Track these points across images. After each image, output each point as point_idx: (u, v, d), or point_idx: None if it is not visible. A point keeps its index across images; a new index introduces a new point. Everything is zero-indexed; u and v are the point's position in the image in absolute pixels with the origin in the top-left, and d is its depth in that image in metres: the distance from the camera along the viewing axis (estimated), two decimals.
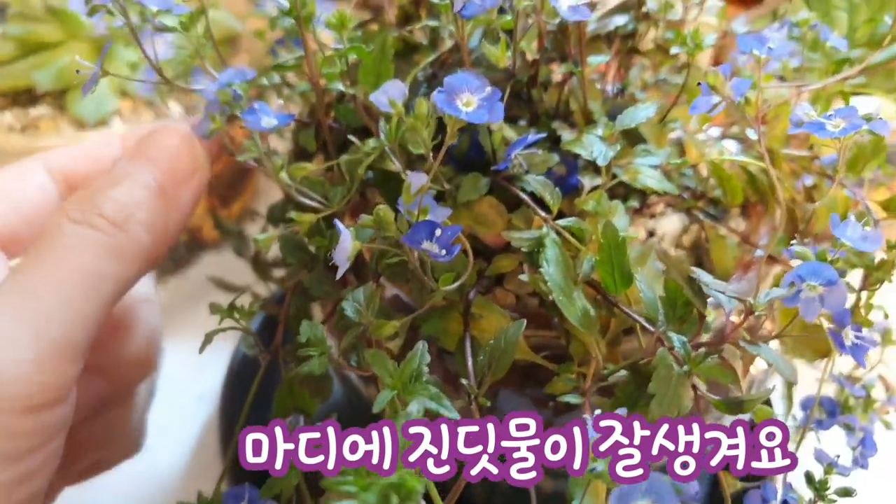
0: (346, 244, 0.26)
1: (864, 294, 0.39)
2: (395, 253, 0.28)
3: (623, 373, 0.29)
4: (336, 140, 0.34)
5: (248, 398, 0.34)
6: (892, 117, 0.50)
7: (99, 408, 0.33)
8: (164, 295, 0.64)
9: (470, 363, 0.29)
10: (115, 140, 0.36)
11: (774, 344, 0.46)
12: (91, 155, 0.35)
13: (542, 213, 0.30)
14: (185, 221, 0.32)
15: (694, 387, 0.28)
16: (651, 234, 0.37)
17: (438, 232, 0.26)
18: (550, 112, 0.36)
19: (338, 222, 0.26)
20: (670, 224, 0.37)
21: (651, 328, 0.28)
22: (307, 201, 0.32)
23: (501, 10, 0.29)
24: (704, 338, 0.31)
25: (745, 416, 0.29)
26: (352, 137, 0.31)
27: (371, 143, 0.30)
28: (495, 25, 0.29)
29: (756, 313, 0.26)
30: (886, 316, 0.41)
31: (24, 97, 0.56)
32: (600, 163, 0.30)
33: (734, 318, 0.30)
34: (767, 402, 0.41)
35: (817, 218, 0.41)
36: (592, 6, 0.35)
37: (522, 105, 0.37)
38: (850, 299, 0.40)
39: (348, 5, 0.45)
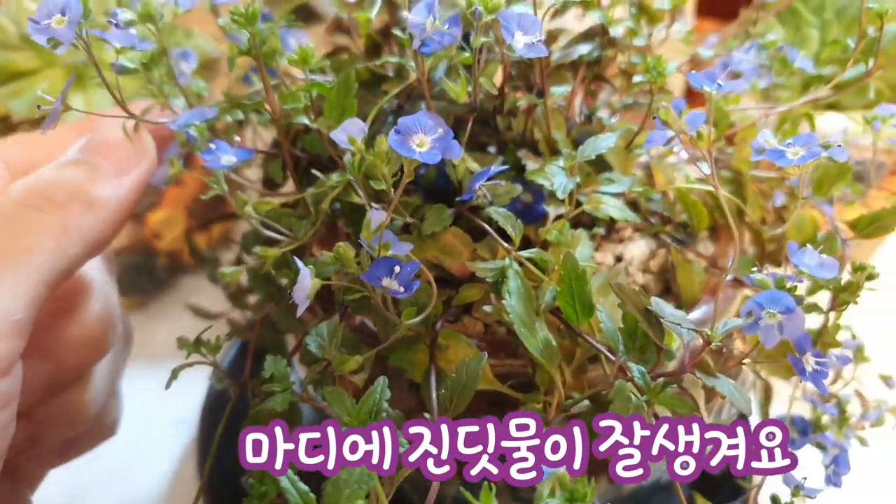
0: (306, 282, 0.26)
1: (832, 315, 0.40)
2: (357, 289, 0.28)
3: (586, 403, 0.29)
4: (302, 171, 0.34)
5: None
6: (860, 135, 0.50)
7: (53, 389, 0.33)
8: (144, 318, 0.64)
9: (434, 395, 0.29)
10: (69, 131, 0.36)
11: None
12: (45, 144, 0.35)
13: (505, 245, 0.30)
14: (132, 205, 0.32)
15: (655, 416, 0.28)
16: (619, 259, 0.37)
17: (398, 269, 0.26)
18: (517, 140, 0.37)
19: (297, 260, 0.27)
20: (638, 249, 0.37)
21: (613, 358, 0.28)
22: (274, 234, 0.32)
23: (462, 47, 0.29)
24: (670, 366, 0.31)
25: None
26: (316, 172, 0.31)
27: (335, 177, 0.30)
28: (455, 61, 0.29)
29: (713, 344, 0.26)
30: (854, 337, 0.41)
31: (1, 126, 0.56)
32: (560, 195, 0.31)
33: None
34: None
35: (786, 239, 0.41)
36: (553, 39, 0.35)
37: (490, 133, 0.37)
38: (819, 320, 0.40)
39: (320, 31, 0.45)
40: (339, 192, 0.31)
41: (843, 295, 0.38)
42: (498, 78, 0.36)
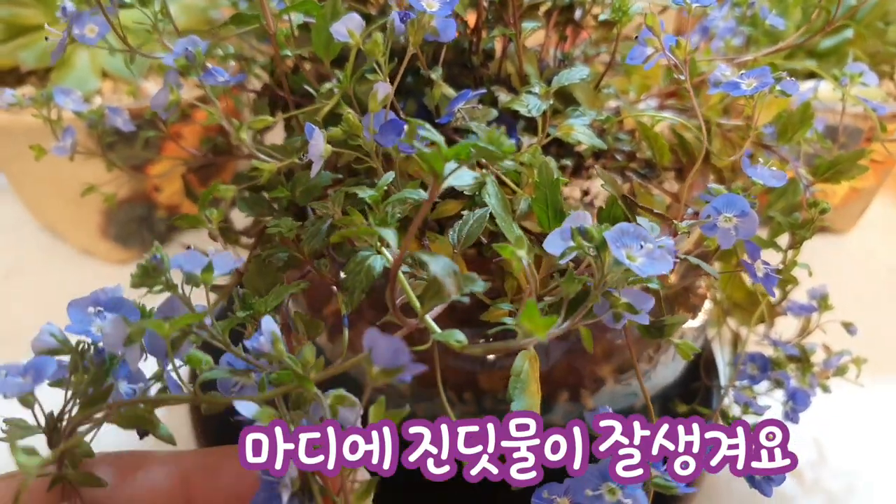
0: (319, 141, 0.29)
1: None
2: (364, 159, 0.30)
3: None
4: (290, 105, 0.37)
5: None
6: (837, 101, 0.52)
7: None
8: None
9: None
10: None
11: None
12: None
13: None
14: None
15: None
16: (586, 193, 0.39)
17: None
18: (493, 78, 0.39)
19: (308, 125, 0.29)
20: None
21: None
22: (267, 158, 0.35)
23: None
24: None
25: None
26: (308, 87, 0.33)
27: (327, 86, 0.33)
28: None
29: (678, 234, 0.28)
30: (811, 274, 0.43)
31: (11, 77, 0.59)
32: (533, 114, 0.33)
33: None
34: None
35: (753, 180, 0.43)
36: None
37: (466, 73, 0.40)
38: (779, 258, 0.42)
39: None
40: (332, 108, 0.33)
41: (800, 231, 0.40)
42: (472, 18, 0.38)
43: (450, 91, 0.34)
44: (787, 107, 0.43)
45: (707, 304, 0.43)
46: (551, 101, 0.34)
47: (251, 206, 0.36)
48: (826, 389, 0.48)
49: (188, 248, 0.48)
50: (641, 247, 0.23)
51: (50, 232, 0.70)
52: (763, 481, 0.34)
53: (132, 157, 0.59)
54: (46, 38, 0.36)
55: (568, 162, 0.38)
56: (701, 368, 0.48)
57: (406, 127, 0.27)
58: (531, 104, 0.33)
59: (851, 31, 0.61)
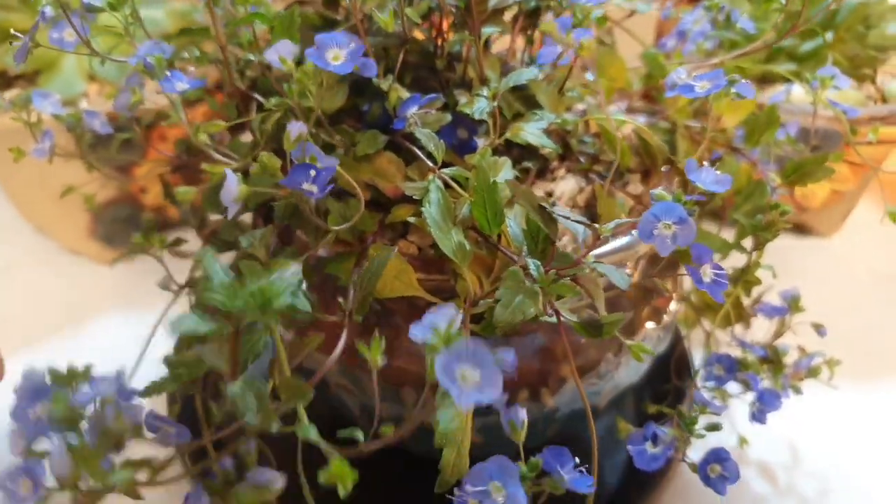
0: (232, 185, 0.29)
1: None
2: (286, 198, 0.31)
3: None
4: (248, 105, 0.37)
5: None
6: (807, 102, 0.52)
7: None
8: (129, 270, 0.68)
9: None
10: None
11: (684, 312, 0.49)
12: None
13: (430, 164, 0.33)
14: None
15: (557, 312, 0.30)
16: (549, 194, 0.39)
17: (313, 173, 0.29)
18: (457, 82, 0.39)
19: (227, 170, 0.30)
20: (567, 185, 0.40)
21: (516, 259, 0.30)
22: (222, 158, 0.35)
23: None
24: None
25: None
26: (257, 96, 0.34)
27: (273, 100, 0.33)
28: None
29: (602, 236, 0.28)
30: (774, 276, 0.43)
31: (0, 80, 0.60)
32: (477, 116, 0.33)
33: None
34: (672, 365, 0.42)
35: None
36: None
37: (433, 76, 0.40)
38: (743, 259, 0.43)
39: None
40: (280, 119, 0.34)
41: (763, 234, 0.40)
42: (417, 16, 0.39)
43: (405, 94, 0.35)
44: (755, 109, 0.44)
45: (672, 306, 0.43)
46: (496, 104, 0.35)
47: (210, 203, 0.37)
48: (797, 391, 0.49)
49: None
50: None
51: (40, 232, 0.71)
52: (717, 480, 0.35)
53: (116, 159, 0.60)
54: (10, 43, 0.37)
55: (530, 164, 0.38)
56: (672, 369, 0.49)
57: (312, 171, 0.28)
58: (477, 107, 0.34)
59: (830, 35, 0.61)
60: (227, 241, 0.35)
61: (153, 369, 0.38)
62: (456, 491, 0.27)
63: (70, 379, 0.31)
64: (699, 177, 0.31)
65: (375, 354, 0.26)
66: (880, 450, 0.54)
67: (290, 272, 0.26)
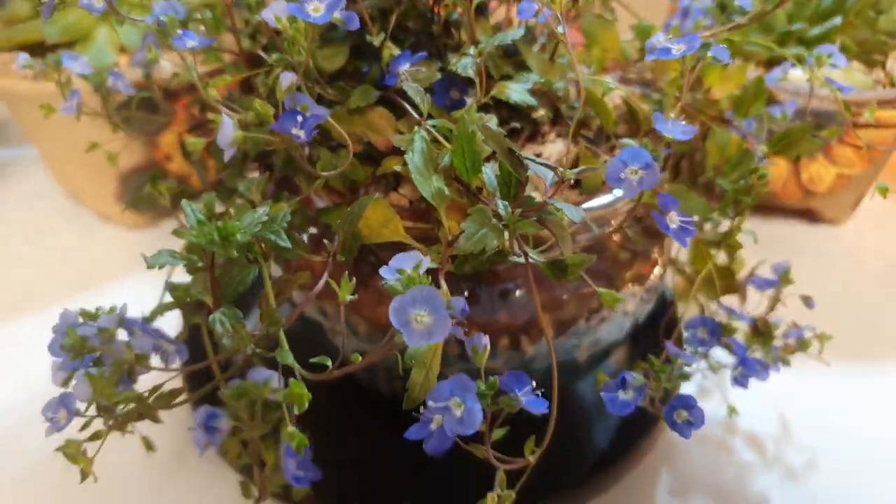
0: (228, 130, 0.32)
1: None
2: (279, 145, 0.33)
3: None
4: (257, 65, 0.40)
5: None
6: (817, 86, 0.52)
7: None
8: (153, 236, 0.71)
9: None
10: None
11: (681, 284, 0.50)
12: None
13: (416, 116, 0.35)
14: None
15: (526, 254, 0.32)
16: (538, 156, 0.41)
17: (300, 119, 0.31)
18: (453, 47, 0.42)
19: (224, 115, 0.32)
20: (556, 148, 0.41)
21: (489, 204, 0.33)
22: (228, 111, 0.38)
23: None
24: None
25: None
26: (261, 53, 0.36)
27: (275, 56, 0.36)
28: None
29: (566, 179, 0.30)
30: (756, 240, 0.44)
31: (38, 50, 0.64)
32: (460, 71, 0.35)
33: None
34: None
35: (706, 154, 0.45)
36: None
37: (431, 42, 0.42)
38: (726, 225, 0.44)
39: None
40: None
41: (745, 199, 0.41)
42: None
43: (397, 52, 0.37)
44: (744, 81, 0.45)
45: (657, 270, 0.44)
46: (480, 61, 0.37)
47: (216, 153, 0.39)
48: (786, 363, 0.50)
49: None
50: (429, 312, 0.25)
51: (72, 197, 0.75)
52: (683, 425, 0.36)
53: (140, 122, 0.63)
54: (41, 3, 0.40)
55: (518, 125, 0.40)
56: (661, 334, 0.50)
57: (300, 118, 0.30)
58: (461, 64, 0.36)
59: (840, 19, 0.62)
60: (230, 188, 0.38)
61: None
62: (422, 409, 0.29)
63: (95, 317, 0.35)
64: (666, 127, 0.33)
65: (345, 292, 0.28)
66: (870, 427, 0.55)
67: (260, 212, 0.29)
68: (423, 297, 0.24)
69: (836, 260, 0.70)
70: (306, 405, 0.26)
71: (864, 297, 0.67)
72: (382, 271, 0.26)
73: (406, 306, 0.24)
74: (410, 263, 0.27)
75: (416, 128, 0.35)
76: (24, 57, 0.48)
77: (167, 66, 0.65)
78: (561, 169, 0.30)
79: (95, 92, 0.49)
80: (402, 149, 0.36)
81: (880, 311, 0.65)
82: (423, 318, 0.24)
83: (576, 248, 0.40)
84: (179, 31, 0.37)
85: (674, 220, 0.33)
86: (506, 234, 0.30)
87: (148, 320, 0.37)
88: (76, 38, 0.63)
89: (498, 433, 0.29)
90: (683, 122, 0.33)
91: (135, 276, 0.70)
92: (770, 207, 0.72)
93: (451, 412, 0.27)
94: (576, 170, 0.30)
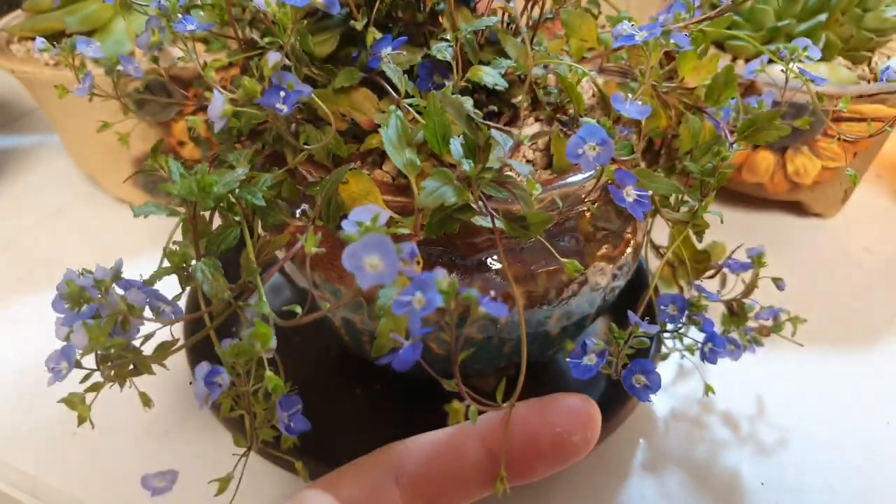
0: (218, 103, 0.35)
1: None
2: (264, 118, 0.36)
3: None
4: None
5: None
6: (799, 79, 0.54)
7: None
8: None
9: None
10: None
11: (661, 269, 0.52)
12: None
13: (395, 95, 0.38)
14: None
15: (491, 214, 0.35)
16: None
17: (283, 94, 0.34)
18: (437, 34, 0.44)
19: (215, 90, 0.35)
20: (531, 130, 0.44)
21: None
22: (224, 91, 0.41)
23: None
24: None
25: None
26: (254, 36, 0.39)
27: (267, 39, 0.39)
28: None
29: (522, 144, 0.33)
30: (722, 220, 0.46)
31: (58, 38, 0.67)
32: (437, 55, 0.38)
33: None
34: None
35: (678, 140, 0.47)
36: None
37: (418, 31, 0.45)
38: (694, 206, 0.46)
39: None
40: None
41: (710, 180, 0.44)
42: None
43: (380, 35, 0.40)
44: (714, 70, 0.47)
45: (629, 249, 0.47)
46: (456, 45, 0.39)
47: (219, 134, 0.43)
48: (759, 343, 0.52)
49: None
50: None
51: (90, 180, 0.79)
52: (641, 389, 0.39)
53: (159, 110, 0.67)
54: None
55: (494, 108, 0.43)
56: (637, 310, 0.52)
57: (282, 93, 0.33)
58: (436, 48, 0.38)
59: (825, 16, 0.64)
60: (222, 160, 0.41)
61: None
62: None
63: (102, 283, 0.38)
64: (623, 107, 0.35)
65: (310, 244, 0.31)
66: (844, 410, 0.57)
67: (239, 172, 0.32)
68: (375, 243, 0.26)
69: (822, 251, 0.72)
70: (270, 343, 0.28)
71: (847, 287, 0.68)
72: (344, 224, 0.28)
73: (358, 252, 0.26)
74: (369, 216, 0.29)
75: (391, 106, 0.38)
76: (41, 41, 0.51)
77: (178, 53, 0.69)
78: (516, 132, 0.33)
79: (106, 75, 0.52)
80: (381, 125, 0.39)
81: (861, 300, 0.66)
82: (374, 263, 0.26)
83: (549, 228, 0.43)
84: (180, 16, 0.41)
85: (630, 193, 0.36)
86: (469, 193, 0.33)
87: (148, 283, 0.40)
88: (95, 27, 0.66)
89: (464, 354, 0.31)
90: (639, 103, 0.35)
91: (149, 255, 0.74)
92: (759, 199, 0.74)
93: (415, 308, 0.29)
94: (529, 133, 0.33)
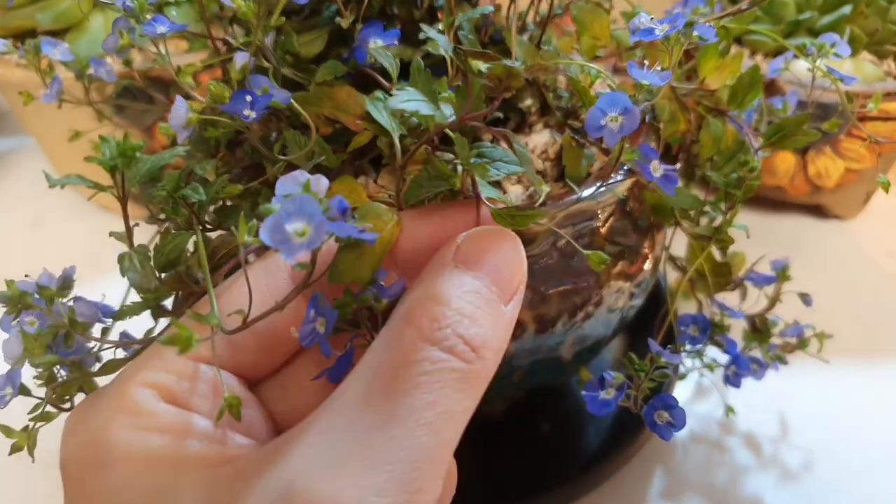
0: (180, 110, 0.31)
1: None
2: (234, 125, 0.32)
3: None
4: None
5: None
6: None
7: None
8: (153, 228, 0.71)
9: None
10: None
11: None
12: None
13: (385, 83, 0.35)
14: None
15: (479, 198, 0.31)
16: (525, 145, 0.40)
17: (249, 98, 0.30)
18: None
19: (178, 96, 0.31)
20: (541, 138, 0.40)
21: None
22: (198, 96, 0.37)
23: None
24: None
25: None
26: (228, 38, 0.36)
27: (241, 38, 0.35)
28: None
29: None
30: (748, 235, 0.43)
31: (28, 37, 0.63)
32: (430, 48, 0.34)
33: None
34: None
35: (700, 146, 0.43)
36: None
37: (413, 28, 0.41)
38: (718, 220, 0.42)
39: None
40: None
41: (735, 191, 0.40)
42: None
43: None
44: (738, 71, 0.43)
45: (647, 265, 0.43)
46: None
47: (195, 145, 0.39)
48: (782, 361, 0.48)
49: None
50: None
51: (71, 187, 0.75)
52: (664, 427, 0.35)
53: (139, 114, 0.63)
54: None
55: (499, 114, 0.39)
56: (655, 332, 0.49)
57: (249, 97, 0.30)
58: (429, 33, 0.35)
59: (849, 8, 0.60)
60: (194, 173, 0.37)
61: None
62: None
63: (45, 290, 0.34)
64: (641, 74, 0.31)
65: (242, 233, 0.26)
66: (871, 428, 0.53)
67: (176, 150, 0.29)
68: (297, 208, 0.21)
69: (844, 256, 0.68)
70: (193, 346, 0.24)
71: (871, 289, 0.65)
72: (273, 200, 0.23)
73: (280, 222, 0.21)
74: (297, 186, 0.24)
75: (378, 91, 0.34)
76: (2, 42, 0.47)
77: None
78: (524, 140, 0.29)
79: (77, 79, 0.48)
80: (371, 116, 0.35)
81: (889, 309, 0.63)
82: (301, 229, 0.21)
83: (561, 246, 0.39)
84: (149, 17, 0.37)
85: (657, 168, 0.32)
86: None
87: (117, 318, 0.36)
88: (69, 24, 0.62)
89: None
90: (658, 68, 0.31)
91: None
92: (779, 202, 0.70)
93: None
94: (539, 142, 0.30)
